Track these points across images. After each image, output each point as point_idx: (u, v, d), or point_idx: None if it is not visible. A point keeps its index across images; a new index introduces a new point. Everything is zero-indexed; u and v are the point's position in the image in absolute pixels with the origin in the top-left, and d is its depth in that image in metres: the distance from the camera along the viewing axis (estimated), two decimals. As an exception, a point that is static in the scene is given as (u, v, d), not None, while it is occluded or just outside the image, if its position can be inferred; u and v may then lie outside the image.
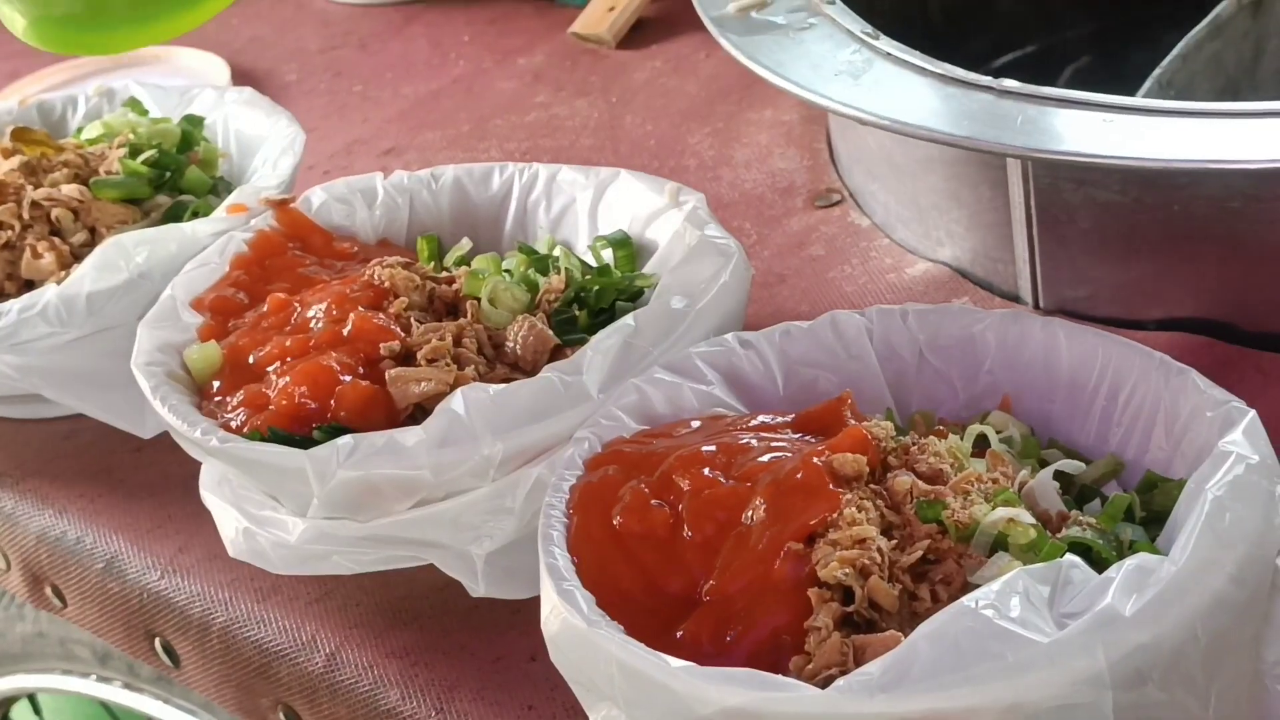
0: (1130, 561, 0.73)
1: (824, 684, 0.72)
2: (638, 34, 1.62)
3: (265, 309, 1.06)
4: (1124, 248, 1.08)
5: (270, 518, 0.97)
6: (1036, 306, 1.13)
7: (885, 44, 1.14)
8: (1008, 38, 1.55)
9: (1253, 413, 0.82)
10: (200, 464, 1.03)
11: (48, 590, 1.17)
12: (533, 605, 0.82)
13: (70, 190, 1.22)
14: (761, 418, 0.91)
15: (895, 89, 1.10)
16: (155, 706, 1.46)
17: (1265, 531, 0.75)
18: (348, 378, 0.98)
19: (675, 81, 1.52)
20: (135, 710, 1.49)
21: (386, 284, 1.04)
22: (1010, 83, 1.05)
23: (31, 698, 1.78)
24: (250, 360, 1.02)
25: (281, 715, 1.03)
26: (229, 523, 1.00)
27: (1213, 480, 0.77)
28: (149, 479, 1.17)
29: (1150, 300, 1.09)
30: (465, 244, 1.14)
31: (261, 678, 1.03)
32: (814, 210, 1.29)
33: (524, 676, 0.95)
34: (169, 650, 1.09)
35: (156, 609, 1.09)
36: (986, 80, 1.07)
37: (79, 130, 1.35)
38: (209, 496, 1.02)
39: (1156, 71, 1.21)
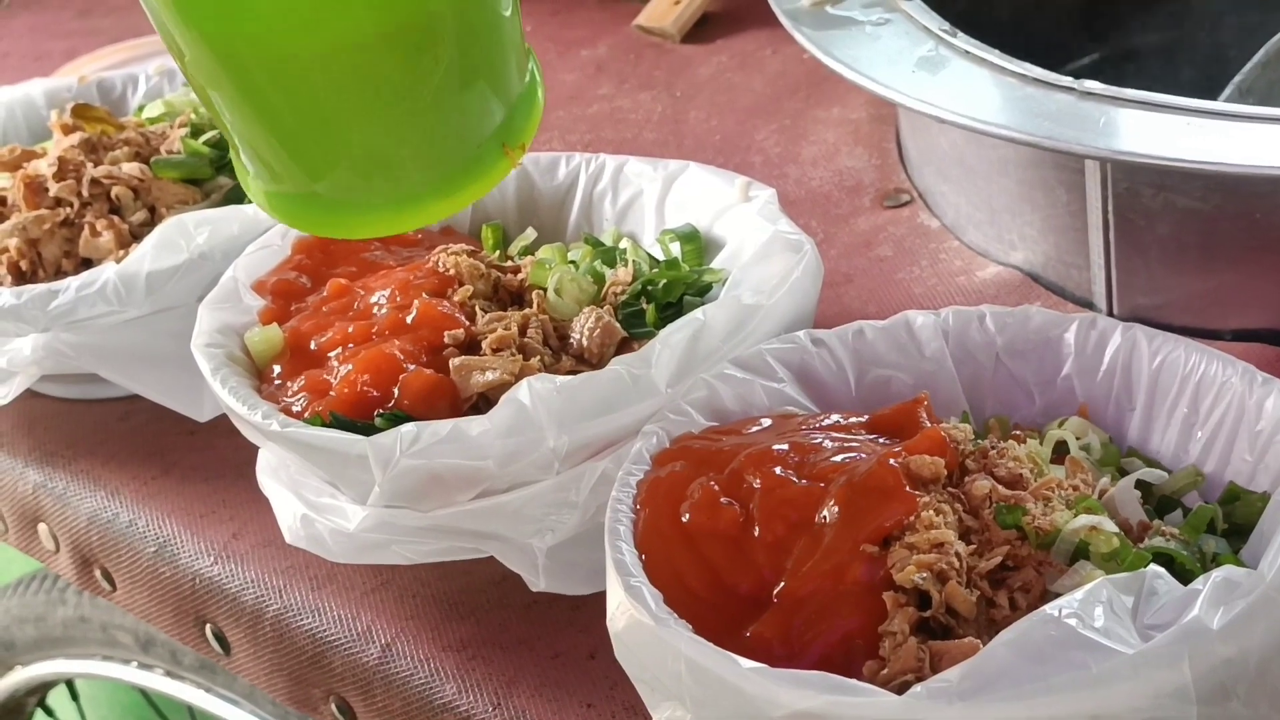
0: (1217, 573, 0.71)
1: (899, 690, 0.70)
2: (703, 29, 1.60)
3: (326, 294, 1.04)
4: (1202, 256, 1.06)
5: (330, 505, 0.95)
6: (1110, 313, 1.11)
7: (963, 41, 1.12)
8: (1076, 43, 1.53)
9: (1342, 425, 0.80)
10: (255, 449, 1.02)
11: (97, 573, 1.16)
12: (593, 602, 0.80)
13: (131, 169, 1.20)
14: (834, 417, 0.89)
15: (972, 87, 1.08)
16: (197, 695, 1.45)
17: (1356, 546, 0.73)
18: (411, 366, 0.96)
19: (741, 77, 1.51)
20: (175, 698, 1.48)
21: (451, 271, 1.02)
22: (1092, 84, 1.04)
23: (69, 683, 1.77)
24: (312, 345, 1.01)
25: (334, 706, 1.01)
26: (287, 509, 0.98)
27: (1302, 492, 0.76)
28: (204, 463, 1.15)
29: (1228, 310, 1.07)
30: (530, 234, 1.13)
31: (314, 667, 1.01)
32: (882, 210, 1.27)
33: (583, 674, 0.93)
34: (220, 637, 1.08)
35: (208, 595, 1.07)
36: (1067, 80, 1.05)
37: (140, 109, 1.34)
38: (267, 482, 1.01)
39: (1236, 78, 1.19)
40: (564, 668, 0.94)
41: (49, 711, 1.79)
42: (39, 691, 1.72)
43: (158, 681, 1.48)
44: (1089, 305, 1.12)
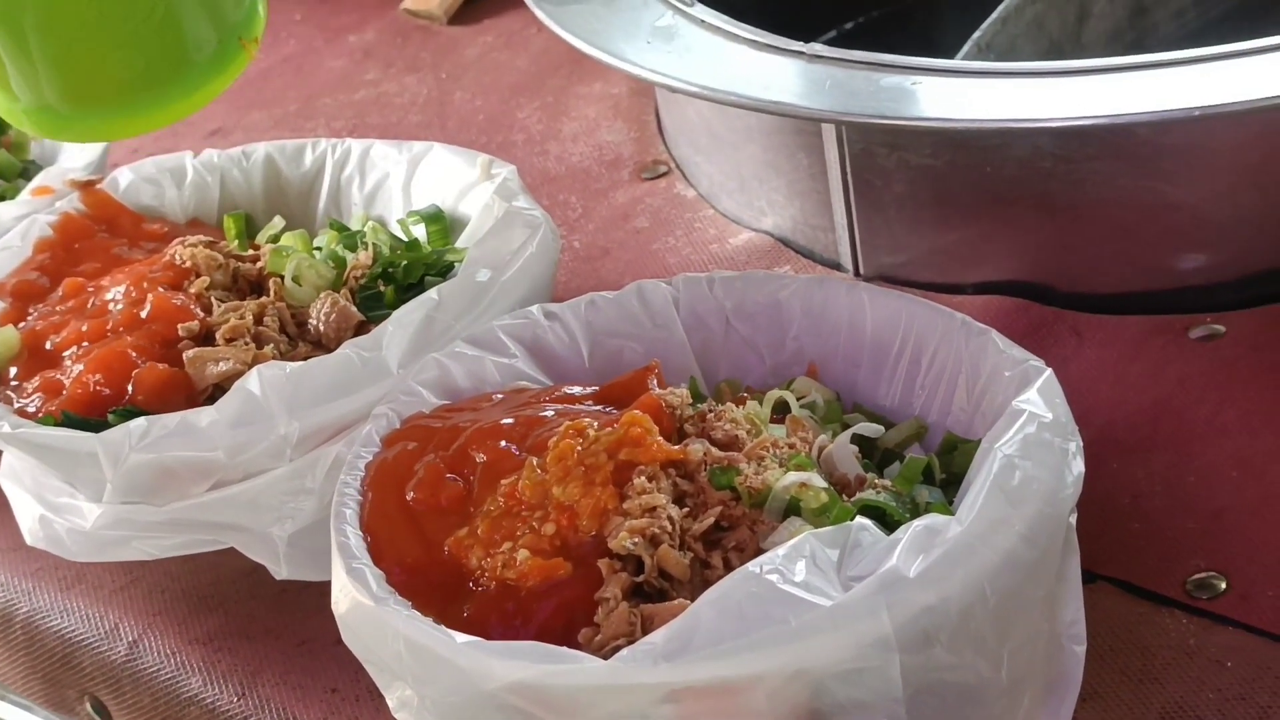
0: (918, 523, 0.72)
1: (611, 655, 0.71)
2: (470, 9, 1.60)
3: (62, 292, 1.03)
4: (939, 212, 1.07)
5: (67, 504, 0.95)
6: (857, 273, 1.12)
7: (699, 10, 1.13)
8: (848, 6, 1.54)
9: (1049, 371, 0.81)
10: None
11: None
12: (341, 587, 0.80)
13: None
14: (565, 390, 0.89)
15: (707, 56, 1.09)
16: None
17: (1057, 489, 0.74)
18: (145, 361, 0.95)
19: (506, 56, 1.51)
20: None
21: (188, 263, 1.02)
22: (819, 47, 1.04)
23: None
24: (48, 345, 1.00)
25: (89, 706, 1.01)
26: (26, 511, 0.98)
27: (1004, 439, 0.76)
28: (-44, 470, 1.14)
29: (968, 264, 1.08)
30: (278, 222, 1.12)
31: (66, 668, 1.01)
32: (640, 182, 1.28)
33: (330, 659, 0.93)
34: (-24, 644, 1.07)
35: (-40, 602, 1.06)
36: (796, 45, 1.06)
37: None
38: (8, 485, 1.00)
39: (975, 34, 1.20)
40: (310, 654, 0.94)
41: None
42: None
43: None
44: (837, 267, 1.13)
